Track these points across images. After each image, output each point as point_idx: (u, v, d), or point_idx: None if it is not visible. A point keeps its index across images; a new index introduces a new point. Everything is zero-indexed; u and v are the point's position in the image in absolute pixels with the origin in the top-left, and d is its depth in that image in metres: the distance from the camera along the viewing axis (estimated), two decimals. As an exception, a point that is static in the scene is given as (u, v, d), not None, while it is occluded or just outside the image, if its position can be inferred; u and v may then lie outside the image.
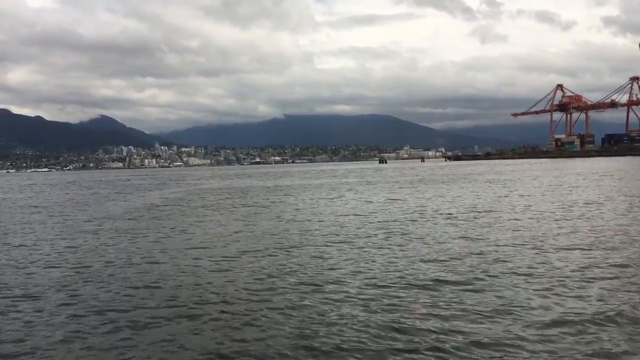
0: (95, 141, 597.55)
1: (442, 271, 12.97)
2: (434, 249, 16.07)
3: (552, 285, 11.26)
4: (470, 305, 10.17)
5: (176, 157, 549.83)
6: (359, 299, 10.83)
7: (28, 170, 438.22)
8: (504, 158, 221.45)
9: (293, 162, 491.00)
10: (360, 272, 13.22)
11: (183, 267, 14.59)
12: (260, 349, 8.41)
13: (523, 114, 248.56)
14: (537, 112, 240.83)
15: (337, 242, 17.89)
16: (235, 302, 10.90)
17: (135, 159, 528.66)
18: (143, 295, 11.69)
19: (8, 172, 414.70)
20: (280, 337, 8.87)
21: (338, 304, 10.54)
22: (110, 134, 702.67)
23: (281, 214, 28.41)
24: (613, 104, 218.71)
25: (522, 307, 9.91)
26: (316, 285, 12.06)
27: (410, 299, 10.70)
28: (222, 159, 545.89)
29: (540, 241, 16.70)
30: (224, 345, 8.61)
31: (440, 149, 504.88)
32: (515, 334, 8.57)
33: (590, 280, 11.65)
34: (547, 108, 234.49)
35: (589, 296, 10.45)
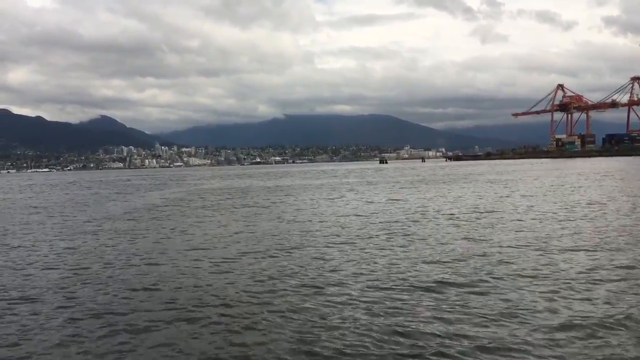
0: (96, 141, 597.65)
1: (446, 273, 12.77)
2: (437, 250, 15.87)
3: (558, 288, 11.05)
4: (475, 308, 9.97)
5: (176, 157, 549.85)
6: (361, 301, 10.63)
7: (28, 171, 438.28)
8: (505, 158, 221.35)
9: (293, 162, 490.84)
10: (362, 273, 13.03)
11: (183, 269, 14.41)
12: (260, 354, 8.23)
13: (524, 114, 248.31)
14: (537, 112, 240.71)
15: (338, 243, 17.70)
16: (235, 305, 10.71)
17: (136, 159, 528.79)
18: (142, 298, 11.50)
19: (8, 172, 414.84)
20: (281, 341, 8.68)
21: (340, 306, 10.34)
22: (110, 134, 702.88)
23: (282, 214, 28.22)
24: (614, 104, 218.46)
25: (528, 310, 9.71)
26: (317, 287, 11.87)
27: (413, 302, 10.50)
28: (222, 159, 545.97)
29: (544, 242, 16.50)
30: (223, 350, 8.42)
31: (440, 149, 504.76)
32: (522, 338, 8.37)
33: (597, 282, 11.45)
34: (548, 108, 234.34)
35: (596, 299, 10.25)
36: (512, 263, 13.62)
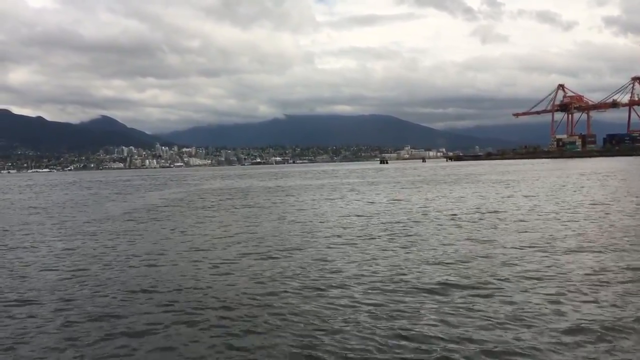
0: (96, 141, 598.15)
1: (449, 275, 12.57)
2: (439, 251, 15.67)
3: (564, 290, 10.85)
4: (480, 310, 9.78)
5: (177, 157, 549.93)
6: (364, 303, 10.44)
7: (29, 171, 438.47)
8: (506, 158, 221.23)
9: (294, 162, 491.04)
10: (364, 275, 12.83)
11: (182, 270, 14.21)
12: (261, 358, 8.04)
13: (524, 114, 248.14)
14: (538, 112, 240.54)
15: (340, 244, 17.50)
16: (235, 308, 10.52)
17: (136, 159, 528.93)
18: (140, 300, 11.31)
19: (9, 172, 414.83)
20: (283, 345, 8.48)
21: (342, 309, 10.15)
22: (111, 135, 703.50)
23: (283, 215, 28.02)
24: (614, 104, 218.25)
25: (534, 312, 9.52)
26: (319, 289, 11.67)
27: (416, 304, 10.31)
28: (223, 159, 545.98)
29: (548, 243, 16.30)
30: (223, 354, 8.23)
31: (441, 149, 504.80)
32: (529, 342, 8.17)
33: (603, 284, 11.24)
34: (549, 108, 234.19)
35: (603, 301, 10.04)
36: (517, 264, 13.42)
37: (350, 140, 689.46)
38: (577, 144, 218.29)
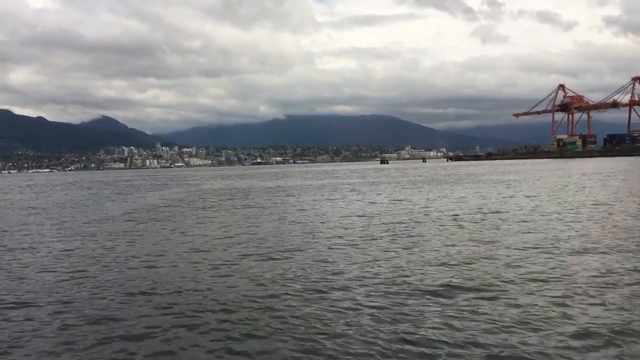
0: (97, 142, 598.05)
1: (452, 277, 12.38)
2: (442, 252, 15.48)
3: (571, 292, 10.66)
4: (485, 314, 9.59)
5: (177, 157, 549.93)
6: (366, 306, 10.26)
7: (29, 171, 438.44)
8: (506, 158, 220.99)
9: (294, 162, 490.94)
10: (366, 277, 12.65)
11: (182, 272, 14.04)
12: (262, 363, 7.86)
13: (524, 114, 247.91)
14: (538, 113, 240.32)
15: (341, 245, 17.31)
16: (236, 310, 10.33)
17: (137, 159, 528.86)
18: (139, 303, 11.13)
19: (10, 172, 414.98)
20: (284, 349, 8.30)
21: (344, 312, 9.97)
22: (111, 135, 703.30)
23: (283, 215, 27.84)
24: (615, 104, 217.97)
25: (540, 316, 9.32)
26: (321, 291, 11.49)
27: (420, 307, 10.12)
28: (223, 159, 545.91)
29: (552, 244, 16.10)
30: (223, 359, 8.05)
31: (441, 150, 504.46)
32: (536, 347, 7.98)
33: (610, 286, 11.05)
34: (549, 108, 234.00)
35: (611, 304, 9.84)
36: (521, 266, 13.23)
37: (351, 140, 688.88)
38: (577, 144, 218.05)
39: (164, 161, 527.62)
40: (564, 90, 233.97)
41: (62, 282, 13.20)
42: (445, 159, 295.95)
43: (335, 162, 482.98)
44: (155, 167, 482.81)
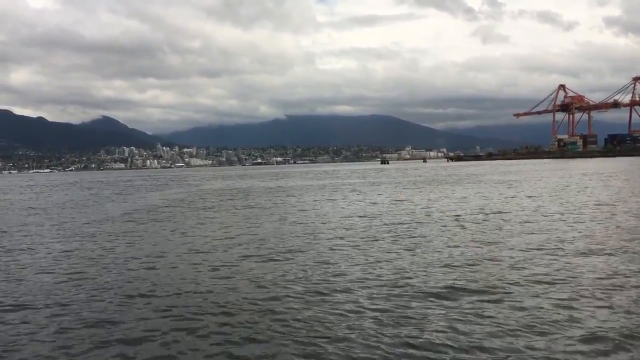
0: (97, 142, 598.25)
1: (456, 278, 12.20)
2: (445, 253, 15.30)
3: (577, 295, 10.47)
4: (489, 317, 9.41)
5: (178, 157, 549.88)
6: (369, 309, 10.08)
7: (30, 171, 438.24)
8: (507, 158, 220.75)
9: (295, 162, 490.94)
10: (368, 279, 12.47)
11: (182, 274, 13.86)
12: (263, 368, 7.68)
13: (525, 114, 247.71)
14: (539, 113, 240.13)
15: (342, 247, 17.13)
16: (236, 313, 10.16)
17: (137, 159, 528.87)
18: (138, 305, 10.95)
19: (10, 172, 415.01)
20: (285, 353, 8.12)
21: (346, 315, 9.79)
22: (112, 135, 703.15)
23: (284, 216, 27.66)
24: (615, 104, 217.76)
25: (546, 319, 9.14)
26: (322, 294, 11.31)
27: (423, 310, 9.94)
28: (223, 159, 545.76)
29: (556, 245, 15.92)
30: (223, 364, 7.89)
31: (442, 150, 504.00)
32: (543, 352, 7.79)
33: (617, 288, 10.86)
34: (550, 108, 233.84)
35: (619, 307, 9.65)
36: (525, 267, 13.05)
37: (351, 140, 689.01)
38: (578, 144, 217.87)
39: (164, 161, 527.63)
40: (564, 91, 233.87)
41: (60, 284, 13.03)
42: (446, 159, 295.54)
43: (335, 162, 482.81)
44: (156, 168, 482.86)
